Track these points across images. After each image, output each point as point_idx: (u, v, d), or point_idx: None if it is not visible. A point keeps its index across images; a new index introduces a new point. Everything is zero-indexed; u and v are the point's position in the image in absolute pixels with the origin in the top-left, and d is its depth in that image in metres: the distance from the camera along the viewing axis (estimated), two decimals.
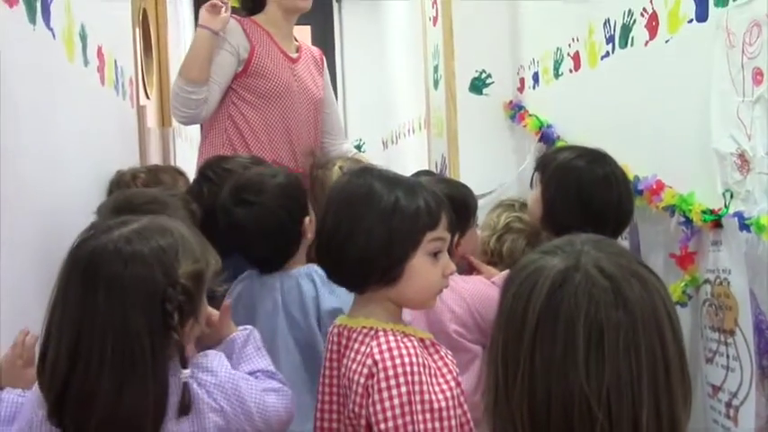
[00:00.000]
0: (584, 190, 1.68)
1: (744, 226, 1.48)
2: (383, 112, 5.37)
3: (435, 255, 1.24)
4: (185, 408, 1.06)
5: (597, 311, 0.80)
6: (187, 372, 1.06)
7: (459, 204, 1.72)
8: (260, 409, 1.17)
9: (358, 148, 5.68)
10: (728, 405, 1.54)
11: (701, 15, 1.66)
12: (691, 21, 1.70)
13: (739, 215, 1.50)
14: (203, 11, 2.30)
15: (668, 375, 0.80)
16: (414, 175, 2.84)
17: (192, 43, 2.35)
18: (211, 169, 1.89)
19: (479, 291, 1.72)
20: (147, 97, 2.98)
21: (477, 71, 2.88)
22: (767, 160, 1.45)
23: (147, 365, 1.01)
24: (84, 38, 1.80)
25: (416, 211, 1.22)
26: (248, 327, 1.31)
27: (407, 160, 4.32)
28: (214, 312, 1.26)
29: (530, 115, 2.65)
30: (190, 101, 2.27)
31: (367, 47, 5.57)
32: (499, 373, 0.85)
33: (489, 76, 2.88)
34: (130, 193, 1.51)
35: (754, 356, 1.47)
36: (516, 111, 2.76)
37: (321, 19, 5.65)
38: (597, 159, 1.73)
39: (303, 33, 5.40)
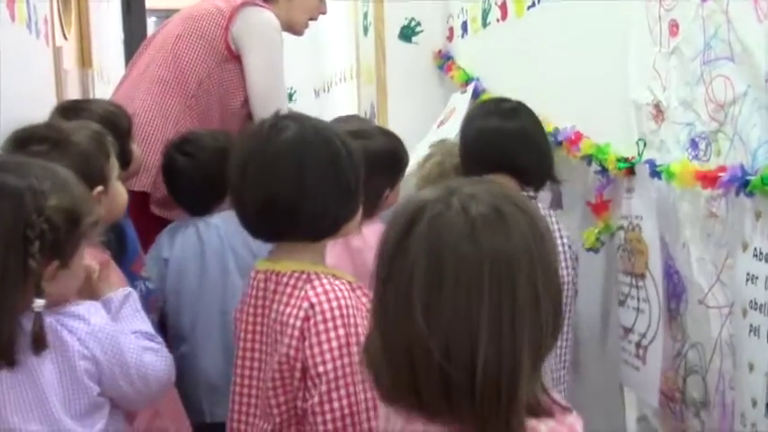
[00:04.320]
0: (467, 142, 1.74)
1: (655, 173, 1.52)
2: (314, 59, 5.29)
3: None
4: (39, 340, 1.04)
5: (442, 239, 0.77)
6: (41, 302, 1.04)
7: (391, 157, 1.75)
8: (138, 364, 1.15)
9: (289, 97, 5.62)
10: (638, 345, 1.61)
11: None
12: None
13: (651, 162, 1.54)
14: None
15: (513, 318, 0.77)
16: (342, 119, 2.82)
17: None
18: (69, 110, 1.75)
19: None
20: (65, 38, 2.86)
21: (406, 19, 2.86)
22: (680, 110, 1.49)
23: None
24: None
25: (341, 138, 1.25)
26: (127, 288, 1.28)
27: (338, 108, 4.28)
28: (93, 268, 1.23)
29: (457, 67, 2.65)
30: None
31: None
32: (371, 313, 0.85)
33: (419, 24, 2.86)
34: (32, 126, 1.42)
35: (663, 299, 1.53)
36: (445, 60, 2.76)
37: None
38: (487, 114, 1.75)
39: None
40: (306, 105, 5.24)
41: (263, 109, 2.18)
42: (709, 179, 1.37)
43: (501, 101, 1.84)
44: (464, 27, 2.67)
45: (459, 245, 0.77)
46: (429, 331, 0.76)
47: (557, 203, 1.99)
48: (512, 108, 1.75)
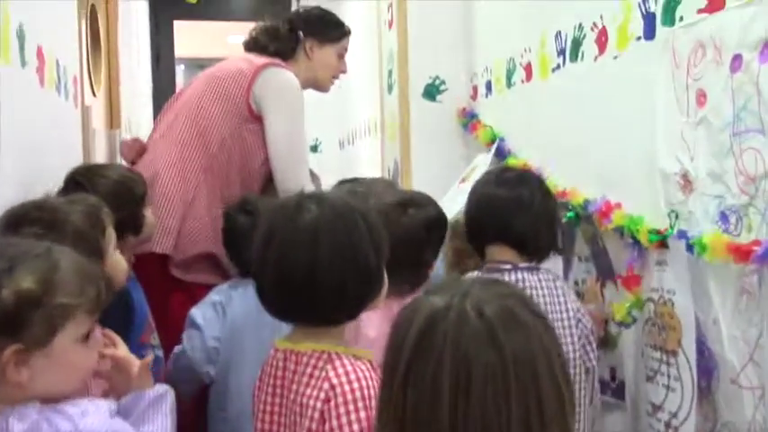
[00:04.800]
0: (468, 211, 1.70)
1: (687, 246, 1.48)
2: (340, 112, 5.33)
3: None
4: None
5: (467, 351, 0.77)
6: None
7: (443, 224, 1.72)
8: None
9: (314, 148, 5.65)
10: (668, 425, 1.55)
11: (649, 33, 1.67)
12: (639, 38, 1.71)
13: (684, 235, 1.50)
14: None
15: (542, 415, 0.77)
16: (371, 181, 2.79)
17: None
18: (83, 175, 1.73)
19: None
20: (94, 95, 2.90)
21: (430, 77, 2.87)
22: (709, 181, 1.46)
23: None
24: (21, 37, 1.73)
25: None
26: (165, 385, 1.22)
27: (361, 162, 4.29)
28: (133, 363, 1.19)
29: (483, 126, 2.64)
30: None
31: None
32: (376, 414, 0.84)
33: (443, 82, 2.87)
34: (24, 205, 1.34)
35: (696, 379, 1.48)
36: (469, 119, 2.76)
37: (279, 15, 5.58)
38: (488, 182, 1.71)
39: None
40: (330, 157, 5.27)
41: (284, 170, 2.20)
42: (742, 252, 1.33)
43: (505, 170, 1.82)
44: (488, 86, 2.67)
45: (483, 351, 0.77)
46: None
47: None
48: (514, 176, 1.70)
